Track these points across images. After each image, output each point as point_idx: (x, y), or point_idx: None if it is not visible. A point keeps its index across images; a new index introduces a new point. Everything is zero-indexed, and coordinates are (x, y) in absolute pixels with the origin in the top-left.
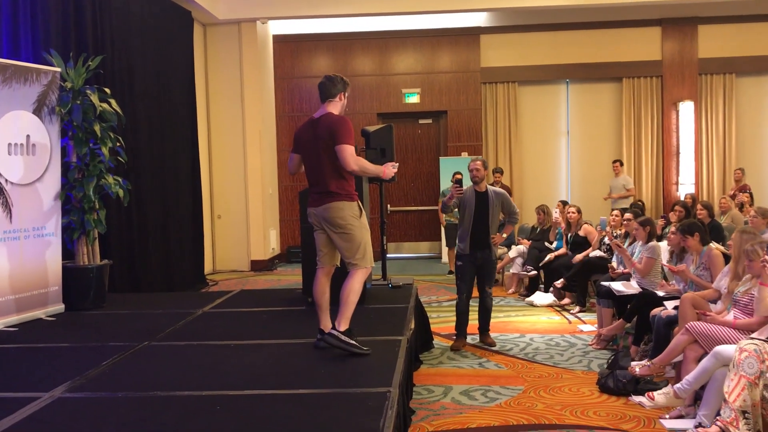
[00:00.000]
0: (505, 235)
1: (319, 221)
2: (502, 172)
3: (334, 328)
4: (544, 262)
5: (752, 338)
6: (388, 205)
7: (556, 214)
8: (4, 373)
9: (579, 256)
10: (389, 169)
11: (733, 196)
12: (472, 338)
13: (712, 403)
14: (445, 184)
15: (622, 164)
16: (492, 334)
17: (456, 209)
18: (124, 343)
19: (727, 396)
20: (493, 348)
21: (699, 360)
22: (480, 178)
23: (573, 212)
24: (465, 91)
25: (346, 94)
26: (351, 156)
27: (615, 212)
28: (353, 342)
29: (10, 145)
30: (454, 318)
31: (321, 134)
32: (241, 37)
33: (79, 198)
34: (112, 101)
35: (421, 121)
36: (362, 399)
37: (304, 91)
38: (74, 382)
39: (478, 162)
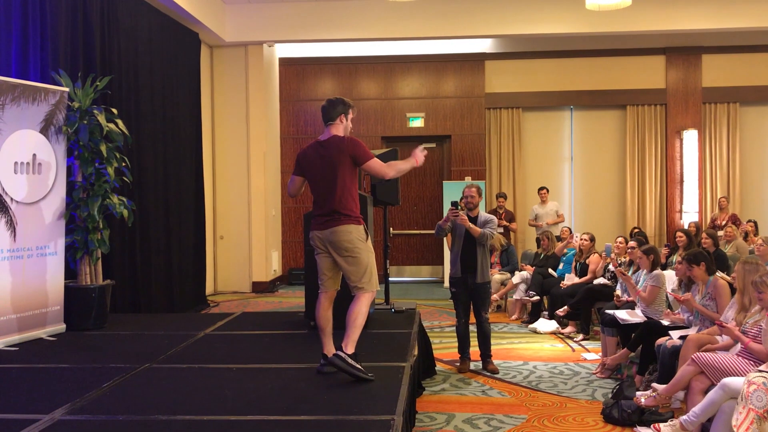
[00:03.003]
0: (469, 225)
1: (324, 245)
2: (505, 197)
3: (340, 349)
4: (567, 286)
5: (761, 371)
6: (391, 229)
7: (577, 238)
8: (3, 393)
9: (567, 283)
10: (420, 156)
11: (717, 227)
12: (475, 365)
13: None
14: (448, 208)
15: (548, 191)
16: (495, 361)
17: (449, 233)
18: (124, 365)
19: (735, 429)
20: (496, 375)
21: (706, 392)
22: (474, 204)
23: (585, 239)
24: (469, 116)
25: (349, 116)
26: (382, 166)
27: (620, 239)
28: (359, 366)
29: (16, 163)
30: (456, 343)
31: (333, 157)
32: (248, 59)
33: (84, 217)
34: (119, 121)
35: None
36: (365, 426)
37: (309, 114)
38: (74, 404)
39: (473, 189)
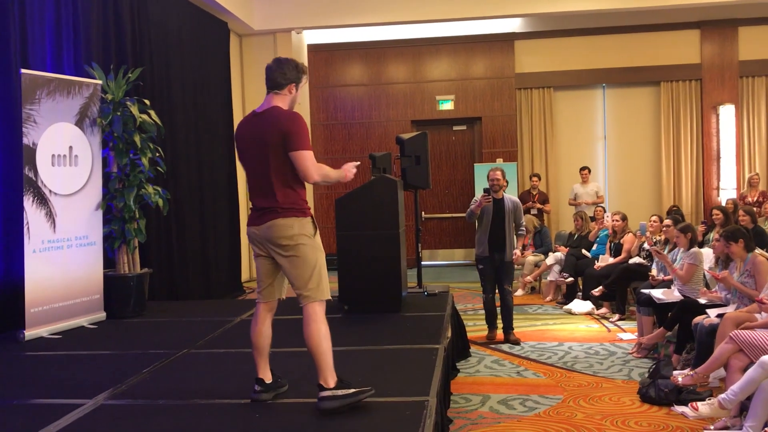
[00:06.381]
0: (518, 249)
1: (262, 243)
2: (539, 178)
3: (322, 389)
4: (602, 266)
5: None
6: (423, 212)
7: (607, 219)
8: (49, 380)
9: (602, 264)
10: (350, 169)
11: (747, 204)
12: (509, 346)
13: (760, 414)
14: (480, 191)
15: (590, 171)
16: (530, 342)
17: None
18: (164, 351)
19: None
20: (531, 357)
21: (744, 370)
22: (500, 186)
23: (617, 219)
24: (499, 97)
25: (300, 86)
26: (312, 164)
27: (654, 218)
28: (353, 390)
29: (53, 156)
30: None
31: (266, 135)
32: (277, 47)
33: (120, 208)
34: (152, 112)
35: (455, 128)
36: (400, 408)
37: (339, 100)
38: (116, 389)
39: (498, 172)
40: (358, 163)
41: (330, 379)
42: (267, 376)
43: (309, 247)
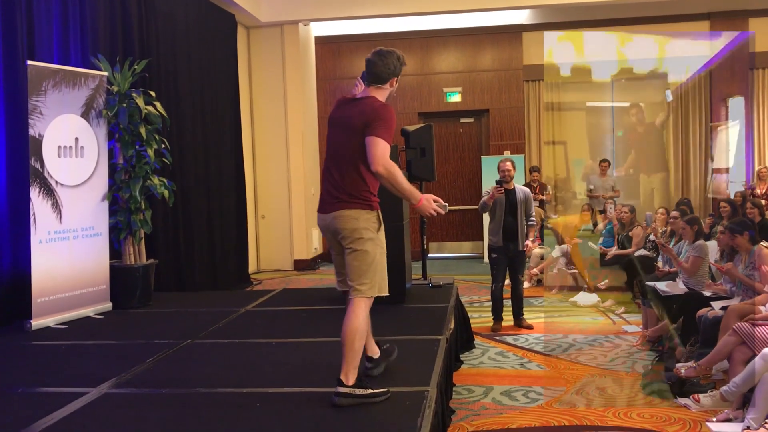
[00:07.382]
0: (530, 239)
1: (329, 232)
2: (539, 171)
3: (341, 384)
4: (609, 256)
5: None
6: None
7: (611, 211)
8: (54, 369)
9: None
10: (430, 203)
11: (756, 197)
12: (514, 338)
13: (762, 406)
14: (487, 183)
15: (609, 164)
16: (535, 334)
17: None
18: (168, 341)
19: None
20: (535, 349)
21: (747, 362)
22: (511, 177)
23: (626, 212)
24: (507, 89)
25: (398, 78)
26: (383, 154)
27: (661, 210)
28: (371, 391)
29: (59, 147)
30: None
31: (353, 121)
32: (284, 39)
33: (126, 199)
34: (158, 104)
35: (462, 120)
36: (400, 398)
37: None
38: (120, 378)
39: (508, 163)
40: (447, 205)
41: (351, 376)
42: (374, 353)
43: (370, 243)
